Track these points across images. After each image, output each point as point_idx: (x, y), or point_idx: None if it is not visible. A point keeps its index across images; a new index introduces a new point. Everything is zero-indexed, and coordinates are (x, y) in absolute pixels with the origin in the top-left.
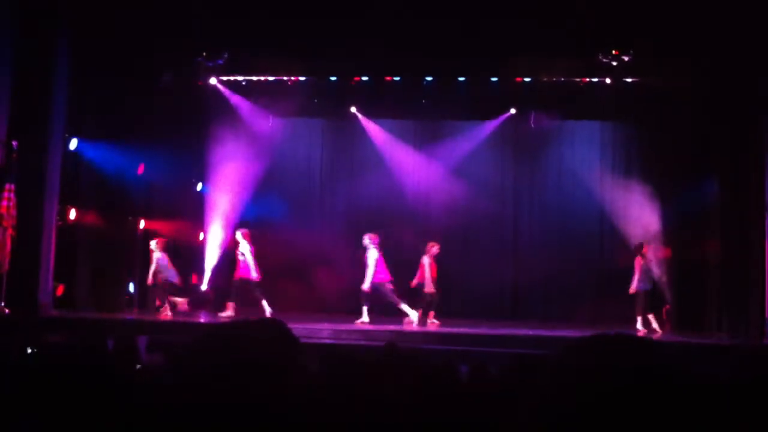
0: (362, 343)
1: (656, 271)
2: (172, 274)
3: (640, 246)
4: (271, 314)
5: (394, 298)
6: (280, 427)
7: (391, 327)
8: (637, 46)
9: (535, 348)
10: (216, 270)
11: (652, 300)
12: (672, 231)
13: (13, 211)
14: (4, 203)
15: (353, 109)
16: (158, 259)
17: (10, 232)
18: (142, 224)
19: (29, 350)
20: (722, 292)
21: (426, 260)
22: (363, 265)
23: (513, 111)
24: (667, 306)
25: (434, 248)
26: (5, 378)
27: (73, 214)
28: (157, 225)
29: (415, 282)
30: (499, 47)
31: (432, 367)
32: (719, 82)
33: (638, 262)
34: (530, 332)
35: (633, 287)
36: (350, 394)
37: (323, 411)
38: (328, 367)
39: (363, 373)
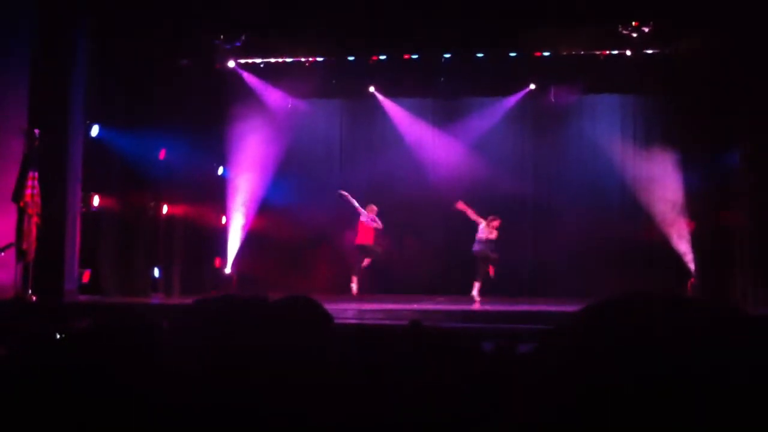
0: (386, 322)
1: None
2: None
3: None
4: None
5: None
6: (307, 404)
7: (415, 306)
8: (657, 16)
9: (556, 323)
10: (239, 253)
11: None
12: (695, 202)
13: (38, 199)
14: (28, 191)
15: (372, 89)
16: None
17: (35, 219)
18: (164, 209)
19: (57, 336)
20: (749, 262)
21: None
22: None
23: (532, 86)
24: (692, 280)
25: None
26: (34, 363)
27: (96, 201)
28: (180, 209)
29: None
30: (516, 21)
31: (456, 344)
32: (741, 47)
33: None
34: (553, 308)
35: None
36: (374, 373)
37: (348, 390)
38: (353, 346)
39: (387, 352)
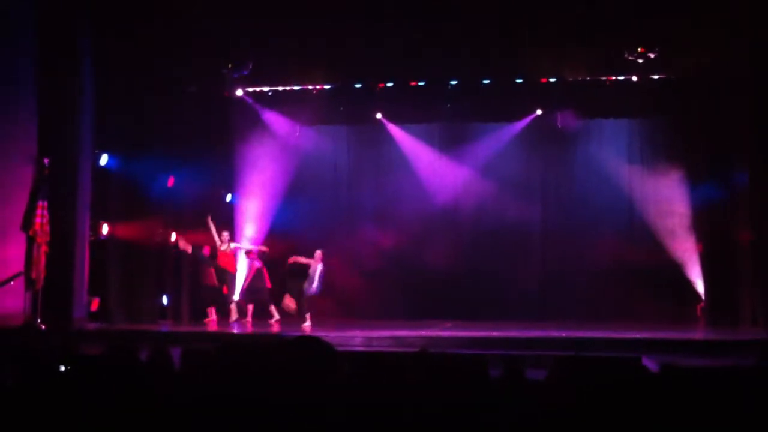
0: (394, 349)
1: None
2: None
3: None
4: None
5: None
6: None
7: (423, 332)
8: (662, 42)
9: (568, 350)
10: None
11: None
12: (703, 223)
13: (47, 228)
14: (38, 220)
15: (378, 115)
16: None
17: (44, 248)
18: (173, 236)
19: (62, 368)
20: (758, 283)
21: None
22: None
23: (539, 112)
24: (702, 303)
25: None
26: (42, 391)
27: (105, 229)
28: (188, 236)
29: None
30: (522, 47)
31: (464, 371)
32: (746, 69)
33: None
34: (563, 334)
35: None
36: (379, 399)
37: (354, 416)
38: (360, 373)
39: (394, 379)
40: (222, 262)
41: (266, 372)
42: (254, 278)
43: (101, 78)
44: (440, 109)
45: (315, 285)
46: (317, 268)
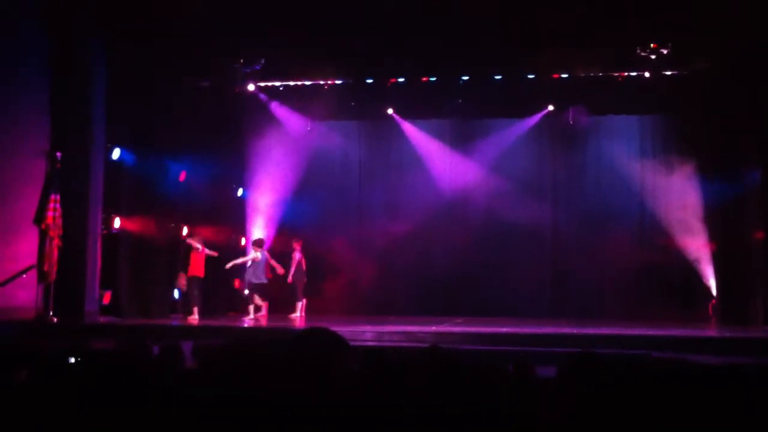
0: (405, 344)
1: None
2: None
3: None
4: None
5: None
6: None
7: (434, 328)
8: (675, 38)
9: (579, 347)
10: None
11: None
12: (715, 221)
13: (59, 221)
14: (50, 213)
15: (390, 111)
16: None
17: (56, 242)
18: (184, 230)
19: (72, 359)
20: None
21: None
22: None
23: (550, 107)
24: (713, 301)
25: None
26: (56, 385)
27: (117, 223)
28: (199, 231)
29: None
30: (534, 43)
31: (475, 368)
32: (757, 66)
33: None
34: (574, 331)
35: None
36: (390, 393)
37: (363, 410)
38: (370, 368)
39: (404, 375)
40: (194, 267)
41: (276, 366)
42: (297, 270)
43: (113, 74)
44: (451, 105)
45: (256, 274)
46: (258, 257)
